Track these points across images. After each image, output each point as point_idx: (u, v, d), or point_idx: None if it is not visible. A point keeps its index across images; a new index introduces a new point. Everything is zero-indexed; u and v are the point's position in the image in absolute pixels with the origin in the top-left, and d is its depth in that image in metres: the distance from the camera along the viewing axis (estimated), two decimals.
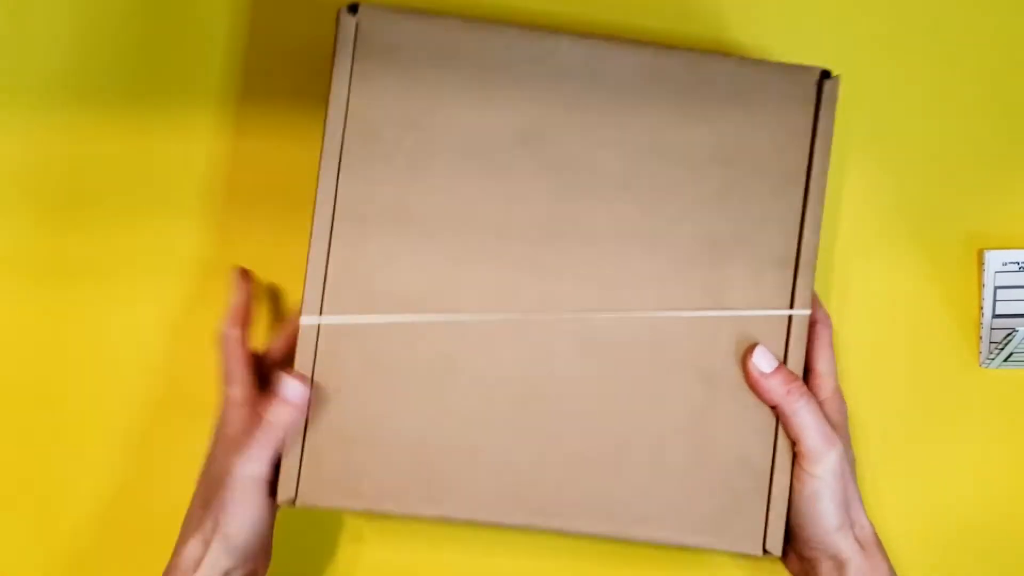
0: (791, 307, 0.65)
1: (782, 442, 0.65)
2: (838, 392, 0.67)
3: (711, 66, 0.65)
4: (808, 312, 0.65)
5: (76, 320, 0.76)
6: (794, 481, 0.65)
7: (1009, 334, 0.69)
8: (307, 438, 0.64)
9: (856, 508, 0.65)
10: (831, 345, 0.67)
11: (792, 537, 0.66)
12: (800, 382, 0.64)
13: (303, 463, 0.64)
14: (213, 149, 0.76)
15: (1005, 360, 0.72)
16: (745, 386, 0.65)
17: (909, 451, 0.73)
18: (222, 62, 0.76)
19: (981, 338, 0.73)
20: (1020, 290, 0.73)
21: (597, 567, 0.73)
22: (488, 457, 0.64)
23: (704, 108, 0.65)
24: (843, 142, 0.74)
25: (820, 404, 0.65)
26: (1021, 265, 0.73)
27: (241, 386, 0.66)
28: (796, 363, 0.65)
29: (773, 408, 0.64)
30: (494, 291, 0.64)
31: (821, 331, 0.67)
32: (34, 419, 0.76)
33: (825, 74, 0.66)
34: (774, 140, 0.65)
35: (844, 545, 0.64)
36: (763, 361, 0.64)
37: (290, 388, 0.63)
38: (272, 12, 0.76)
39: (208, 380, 0.72)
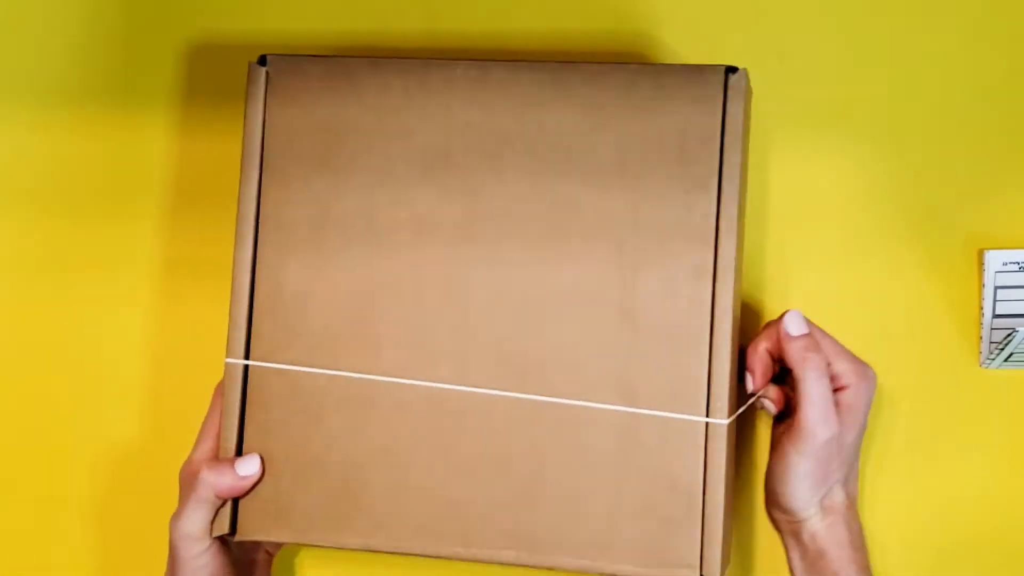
0: (711, 317, 0.63)
1: (713, 459, 0.63)
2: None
3: (612, 76, 0.65)
4: (724, 421, 0.63)
5: (39, 317, 0.76)
6: (773, 451, 0.65)
7: (1009, 334, 0.69)
8: None
9: (836, 478, 0.64)
10: (817, 380, 0.63)
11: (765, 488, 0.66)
12: (820, 354, 0.63)
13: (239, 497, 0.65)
14: (171, 150, 0.76)
15: (1005, 360, 0.72)
16: (667, 403, 0.63)
17: (909, 451, 0.73)
18: (175, 66, 0.76)
19: (981, 338, 0.73)
20: (1020, 290, 0.73)
21: None
22: (411, 488, 0.64)
23: (607, 119, 0.65)
24: (842, 141, 0.74)
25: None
26: (1021, 265, 0.73)
27: (205, 447, 0.67)
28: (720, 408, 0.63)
29: (791, 372, 0.64)
30: (409, 321, 0.65)
31: (807, 373, 0.63)
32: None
33: (730, 70, 0.64)
34: (682, 144, 0.64)
35: (807, 511, 0.64)
36: (792, 324, 0.64)
37: (227, 448, 0.65)
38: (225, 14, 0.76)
39: (176, 383, 0.72)
